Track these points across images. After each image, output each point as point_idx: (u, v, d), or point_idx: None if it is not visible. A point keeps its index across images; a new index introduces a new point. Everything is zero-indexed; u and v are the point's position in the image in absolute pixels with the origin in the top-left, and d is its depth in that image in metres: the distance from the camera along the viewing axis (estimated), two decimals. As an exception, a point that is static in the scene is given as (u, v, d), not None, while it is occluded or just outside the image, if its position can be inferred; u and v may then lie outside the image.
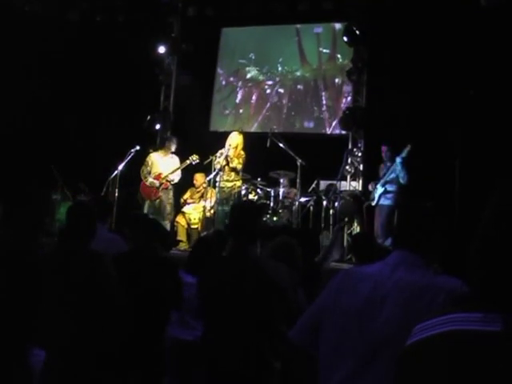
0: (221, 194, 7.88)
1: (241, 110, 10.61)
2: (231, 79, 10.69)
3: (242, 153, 7.95)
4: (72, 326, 2.86)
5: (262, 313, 2.50)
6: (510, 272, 0.93)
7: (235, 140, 7.99)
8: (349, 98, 9.67)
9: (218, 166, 7.82)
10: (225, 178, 7.84)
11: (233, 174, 7.86)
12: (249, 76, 10.54)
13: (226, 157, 7.82)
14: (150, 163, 8.30)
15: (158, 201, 8.19)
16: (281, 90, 10.32)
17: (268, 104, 10.38)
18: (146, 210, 8.18)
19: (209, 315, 2.70)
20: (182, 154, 8.40)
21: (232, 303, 2.53)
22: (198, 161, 8.16)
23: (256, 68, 10.49)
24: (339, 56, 9.99)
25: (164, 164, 8.28)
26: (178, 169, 8.23)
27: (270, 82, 10.38)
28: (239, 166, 7.88)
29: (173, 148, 8.43)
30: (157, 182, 8.17)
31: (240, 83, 10.62)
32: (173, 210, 8.40)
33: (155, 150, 8.74)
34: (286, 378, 2.58)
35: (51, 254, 3.14)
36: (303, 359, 1.97)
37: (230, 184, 7.86)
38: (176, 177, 8.29)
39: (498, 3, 7.23)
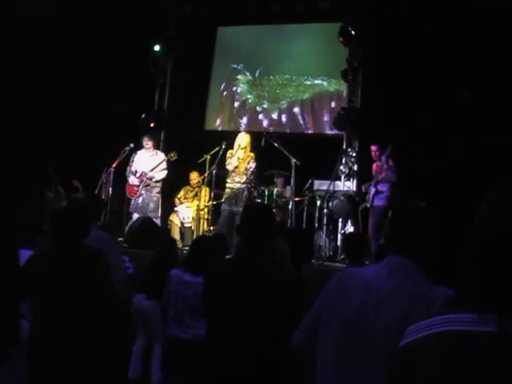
0: (228, 194, 7.82)
1: (235, 111, 10.59)
2: (224, 87, 10.66)
3: (252, 154, 7.87)
4: (63, 321, 2.85)
5: (269, 316, 2.45)
6: (503, 272, 0.93)
7: (244, 141, 7.89)
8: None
9: (229, 168, 7.79)
10: (236, 179, 7.77)
11: (244, 176, 7.77)
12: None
13: (238, 158, 7.75)
14: (134, 162, 8.32)
15: (140, 198, 8.21)
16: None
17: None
18: (131, 208, 8.23)
19: (214, 316, 2.64)
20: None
21: (240, 305, 2.48)
22: (175, 157, 8.17)
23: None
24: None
25: (147, 162, 8.29)
26: (156, 167, 8.20)
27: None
28: (254, 169, 7.86)
29: (147, 145, 8.40)
30: (136, 181, 8.20)
31: (233, 89, 10.61)
32: (158, 208, 8.37)
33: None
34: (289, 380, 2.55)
35: (46, 250, 3.13)
36: (305, 362, 1.96)
37: (238, 185, 7.77)
38: (157, 174, 8.26)
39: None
